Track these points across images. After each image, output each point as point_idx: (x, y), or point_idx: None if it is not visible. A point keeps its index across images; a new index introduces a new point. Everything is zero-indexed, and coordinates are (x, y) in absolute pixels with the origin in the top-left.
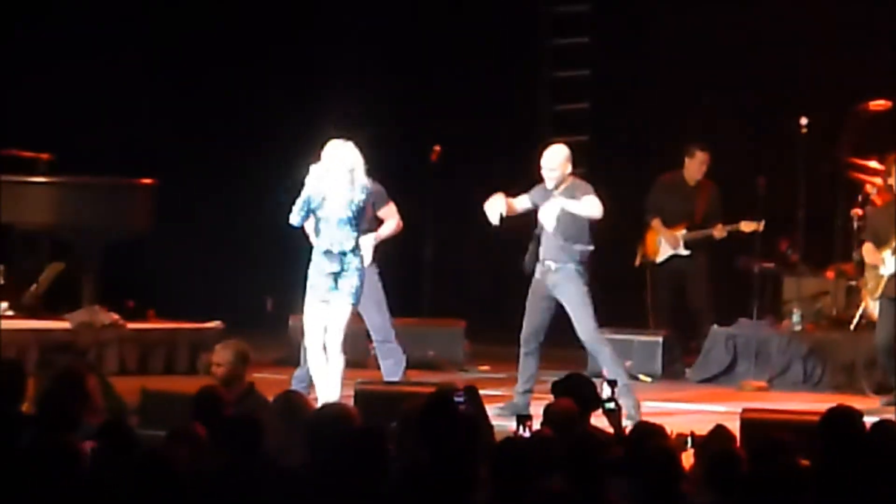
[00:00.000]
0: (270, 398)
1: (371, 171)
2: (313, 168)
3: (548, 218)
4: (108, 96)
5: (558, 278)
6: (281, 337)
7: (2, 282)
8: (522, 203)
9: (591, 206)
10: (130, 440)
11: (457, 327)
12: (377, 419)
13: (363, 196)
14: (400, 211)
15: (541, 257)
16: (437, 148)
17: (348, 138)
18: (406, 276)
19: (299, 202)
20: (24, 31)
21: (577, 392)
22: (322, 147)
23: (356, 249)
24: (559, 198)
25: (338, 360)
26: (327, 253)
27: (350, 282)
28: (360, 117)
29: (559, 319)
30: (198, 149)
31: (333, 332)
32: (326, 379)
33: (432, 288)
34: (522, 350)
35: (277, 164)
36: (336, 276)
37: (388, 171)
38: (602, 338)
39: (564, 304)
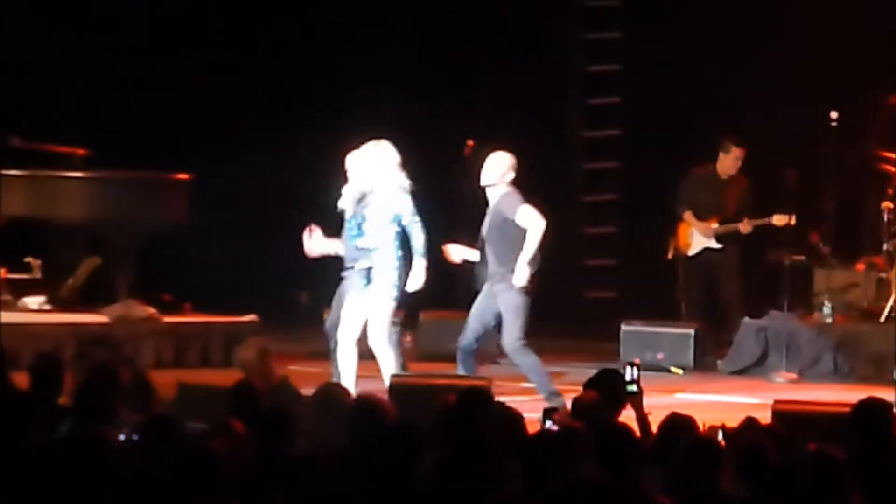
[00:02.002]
0: (304, 391)
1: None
2: (348, 187)
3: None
4: (144, 91)
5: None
6: (315, 330)
7: (39, 276)
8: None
9: (534, 229)
10: (176, 434)
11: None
12: (412, 412)
13: (400, 195)
14: (433, 205)
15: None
16: (471, 142)
17: (381, 136)
18: (439, 269)
19: (352, 224)
20: (59, 28)
21: (609, 386)
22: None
23: (391, 248)
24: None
25: (386, 356)
26: (361, 250)
27: (386, 279)
28: (393, 111)
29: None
30: (233, 143)
31: (374, 327)
32: (351, 372)
33: (466, 281)
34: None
35: (312, 158)
36: (368, 272)
37: (421, 165)
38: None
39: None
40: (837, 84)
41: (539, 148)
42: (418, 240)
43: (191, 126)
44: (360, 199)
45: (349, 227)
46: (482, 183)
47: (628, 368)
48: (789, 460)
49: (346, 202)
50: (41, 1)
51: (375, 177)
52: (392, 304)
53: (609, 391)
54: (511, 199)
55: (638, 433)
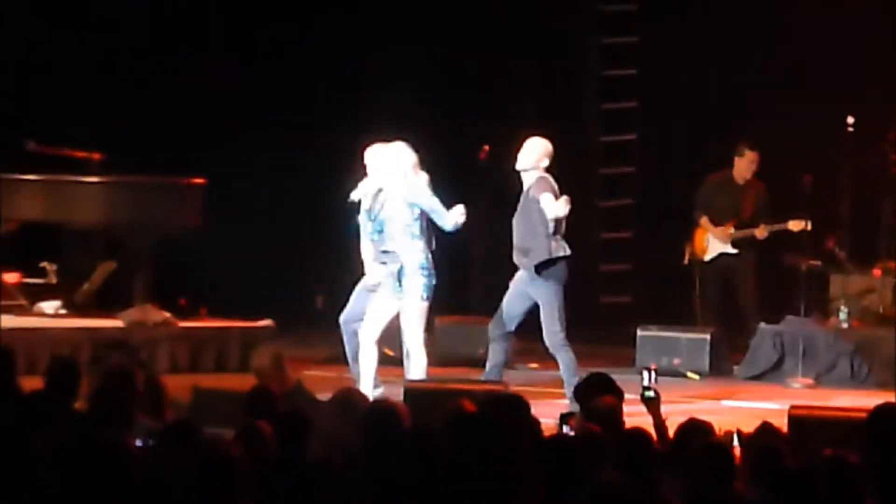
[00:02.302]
0: (320, 395)
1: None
2: (366, 182)
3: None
4: (159, 95)
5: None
6: (331, 335)
7: (54, 280)
8: None
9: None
10: (196, 440)
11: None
12: (426, 417)
13: (421, 196)
14: (448, 209)
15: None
16: (486, 147)
17: (398, 138)
18: (455, 274)
19: (368, 218)
20: (74, 31)
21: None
22: (365, 148)
23: (417, 248)
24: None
25: (419, 358)
26: (385, 252)
27: (414, 280)
28: (408, 117)
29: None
30: (249, 146)
31: (409, 331)
32: (371, 372)
33: (481, 286)
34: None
35: (328, 162)
36: (398, 275)
37: (437, 169)
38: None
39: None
40: (854, 89)
41: (555, 153)
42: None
43: (206, 130)
44: (377, 195)
45: (367, 223)
46: (517, 167)
47: (645, 373)
48: (805, 465)
49: (363, 194)
50: (56, 4)
51: (392, 177)
52: (424, 305)
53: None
54: (541, 184)
55: (655, 438)
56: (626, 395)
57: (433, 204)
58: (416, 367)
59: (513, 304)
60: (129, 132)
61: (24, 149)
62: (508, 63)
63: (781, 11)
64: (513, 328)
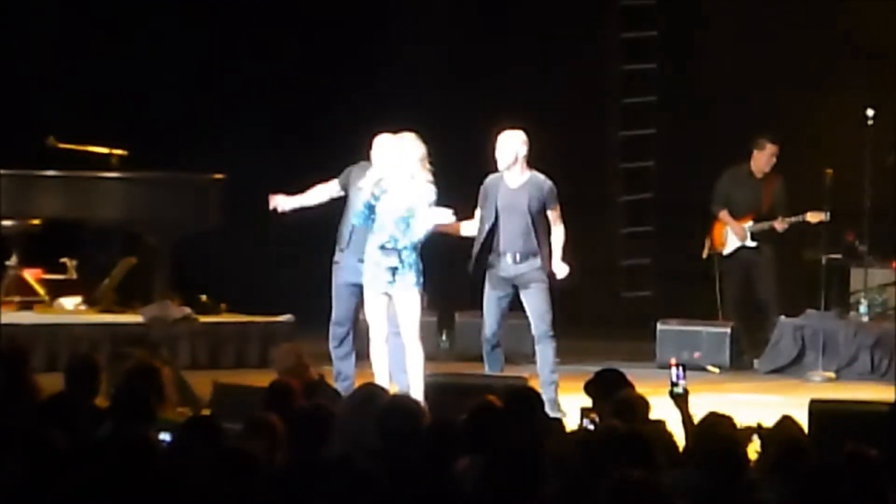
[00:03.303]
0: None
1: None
2: (371, 170)
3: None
4: (180, 92)
5: (521, 268)
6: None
7: (75, 276)
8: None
9: (558, 232)
10: (217, 435)
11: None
12: (446, 412)
13: (425, 191)
14: (466, 203)
15: (502, 249)
16: None
17: (409, 129)
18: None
19: (360, 204)
20: (97, 28)
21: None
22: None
23: (414, 245)
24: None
25: (416, 352)
26: (383, 248)
27: (409, 276)
28: (426, 110)
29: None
30: (269, 142)
31: (406, 325)
32: (384, 372)
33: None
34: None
35: (348, 155)
36: (394, 270)
37: (455, 163)
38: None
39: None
40: (874, 81)
41: (575, 147)
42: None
43: (226, 125)
44: (378, 183)
45: (358, 208)
46: (500, 167)
47: (674, 369)
48: (825, 460)
49: (364, 181)
50: (77, 1)
51: (397, 171)
52: (419, 296)
53: (608, 392)
54: (544, 189)
55: (683, 434)
56: (648, 390)
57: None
58: (415, 359)
59: (505, 304)
60: (150, 128)
61: (45, 145)
62: (527, 57)
63: (801, 4)
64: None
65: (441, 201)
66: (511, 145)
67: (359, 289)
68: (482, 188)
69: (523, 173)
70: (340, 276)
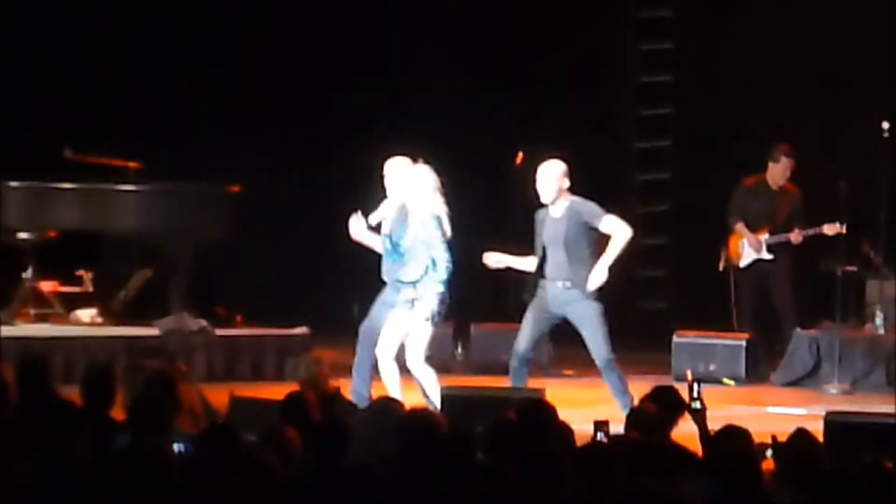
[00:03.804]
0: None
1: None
2: (384, 204)
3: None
4: (195, 104)
5: (570, 297)
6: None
7: (90, 289)
8: (519, 263)
9: (621, 235)
10: (234, 445)
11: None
12: (463, 424)
13: (433, 222)
14: (484, 216)
15: (549, 276)
16: (521, 153)
17: (422, 149)
18: (491, 281)
19: (385, 242)
20: (115, 41)
21: (666, 402)
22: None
23: (428, 274)
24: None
25: (425, 373)
26: (399, 282)
27: (427, 305)
28: (444, 122)
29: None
30: (285, 154)
31: (412, 351)
32: (396, 387)
33: (517, 293)
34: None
35: (363, 168)
36: (412, 301)
37: (472, 175)
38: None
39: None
40: (890, 93)
41: (591, 159)
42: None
43: (242, 138)
44: (398, 219)
45: (385, 243)
46: (544, 200)
47: (694, 385)
48: (841, 472)
49: (382, 217)
50: (90, 12)
51: (414, 200)
52: (430, 329)
53: (666, 406)
54: (590, 206)
55: (701, 450)
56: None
57: (433, 239)
58: (426, 384)
59: (544, 328)
60: (166, 141)
61: (62, 157)
62: (544, 69)
63: (817, 17)
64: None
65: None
66: (552, 179)
67: None
68: (536, 221)
69: (565, 201)
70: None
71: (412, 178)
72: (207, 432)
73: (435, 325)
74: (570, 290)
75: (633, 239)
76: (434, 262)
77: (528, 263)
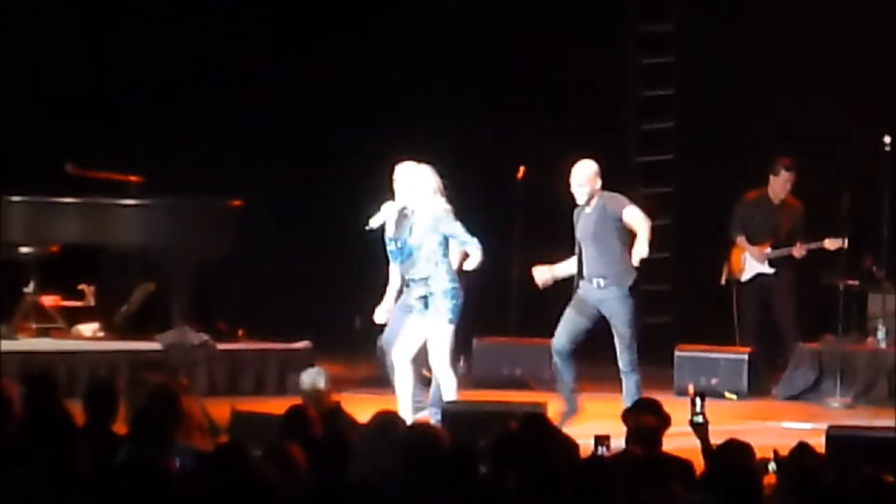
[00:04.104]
0: (358, 417)
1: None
2: (385, 206)
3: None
4: (196, 119)
5: (605, 294)
6: (370, 356)
7: (92, 303)
8: (565, 269)
9: (643, 226)
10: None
11: (544, 345)
12: (465, 439)
13: (444, 220)
14: (487, 230)
15: (585, 274)
16: (523, 168)
17: (425, 160)
18: (494, 294)
19: (392, 248)
20: (116, 55)
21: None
22: (394, 165)
23: (442, 272)
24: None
25: (447, 379)
26: (413, 280)
27: (441, 303)
28: (446, 137)
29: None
30: (285, 168)
31: (435, 352)
32: (408, 393)
33: (520, 306)
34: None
35: (364, 183)
36: (424, 299)
37: (473, 190)
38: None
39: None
40: (892, 107)
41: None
42: (474, 257)
43: (243, 151)
44: (400, 220)
45: (391, 246)
46: (579, 201)
47: (696, 399)
48: (843, 486)
49: (385, 219)
50: (87, 29)
51: (417, 201)
52: (451, 328)
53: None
54: (619, 199)
55: (704, 464)
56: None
57: (456, 229)
58: (446, 389)
59: (581, 324)
60: (167, 155)
61: (63, 171)
62: (546, 82)
63: (818, 31)
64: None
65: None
66: (585, 180)
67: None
68: (574, 220)
69: (597, 199)
70: None
71: (414, 178)
72: (217, 450)
73: (454, 322)
74: (604, 288)
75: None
76: (445, 258)
77: (573, 265)
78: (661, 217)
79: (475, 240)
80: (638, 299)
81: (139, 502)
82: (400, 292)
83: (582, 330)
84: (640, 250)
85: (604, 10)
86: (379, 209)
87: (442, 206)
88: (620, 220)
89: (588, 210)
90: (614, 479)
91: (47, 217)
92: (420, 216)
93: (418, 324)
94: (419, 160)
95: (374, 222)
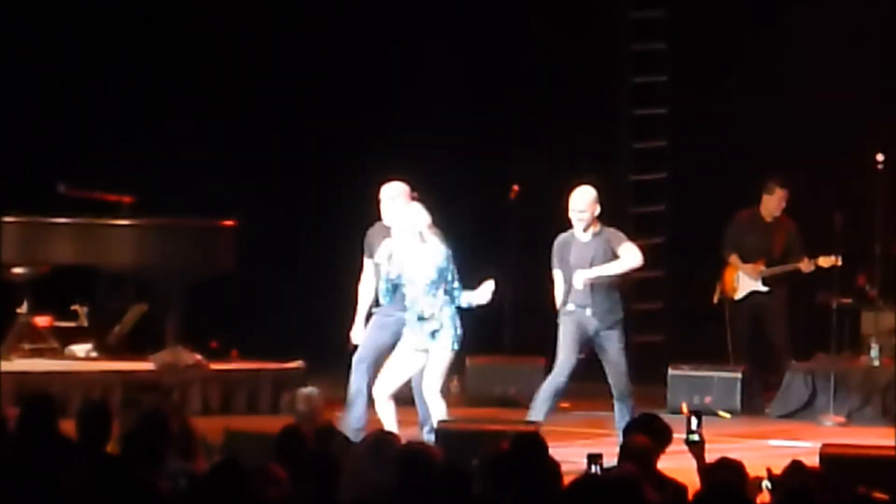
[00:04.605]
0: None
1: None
2: (384, 245)
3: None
4: (191, 139)
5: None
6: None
7: (86, 323)
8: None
9: (628, 258)
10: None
11: (537, 364)
12: (459, 458)
13: (441, 256)
14: (480, 248)
15: (573, 300)
16: (516, 187)
17: (427, 178)
18: (487, 313)
19: (382, 284)
20: (108, 76)
21: (654, 430)
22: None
23: (444, 303)
24: (593, 270)
25: (439, 405)
26: (421, 319)
27: (448, 332)
28: (439, 157)
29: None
30: (279, 188)
31: (431, 378)
32: (392, 422)
33: (513, 325)
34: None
35: (357, 203)
36: (434, 332)
37: (466, 209)
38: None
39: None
40: (884, 125)
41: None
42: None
43: (236, 172)
44: (391, 258)
45: (381, 286)
46: (582, 227)
47: (692, 418)
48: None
49: (381, 257)
50: (84, 47)
51: (408, 238)
52: (451, 356)
53: (656, 435)
54: (618, 235)
55: (699, 482)
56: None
57: (448, 274)
58: (438, 414)
59: (575, 353)
60: (160, 175)
61: (56, 192)
62: (539, 102)
63: (812, 48)
64: None
65: (457, 259)
66: (585, 206)
67: None
68: (555, 248)
69: (594, 228)
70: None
71: (406, 219)
72: (213, 469)
73: (455, 350)
74: (592, 317)
75: (632, 272)
76: (452, 294)
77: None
78: (654, 236)
79: (459, 287)
80: (629, 321)
81: None
82: (370, 315)
83: (578, 355)
84: (593, 272)
85: (595, 30)
86: (372, 237)
87: (443, 248)
88: (616, 255)
89: (584, 239)
90: (607, 498)
91: (40, 238)
92: (412, 252)
93: (408, 360)
94: (407, 179)
95: (378, 259)
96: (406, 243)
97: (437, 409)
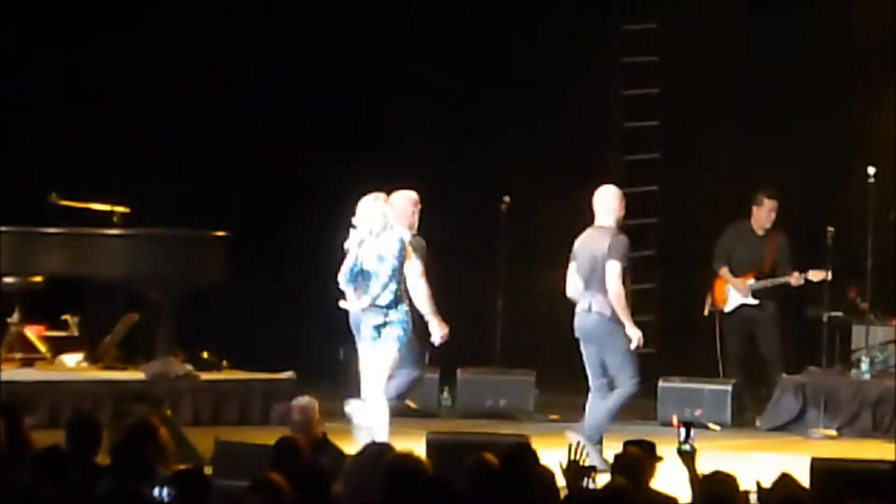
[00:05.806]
0: (343, 448)
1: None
2: (353, 232)
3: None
4: (181, 150)
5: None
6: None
7: (76, 333)
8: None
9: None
10: (206, 488)
11: (528, 377)
12: (448, 468)
13: (397, 249)
14: (471, 261)
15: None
16: (507, 199)
17: (415, 187)
18: (477, 325)
19: (347, 265)
20: (100, 86)
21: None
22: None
23: (397, 302)
24: None
25: (380, 404)
26: (371, 307)
27: (393, 331)
28: (431, 167)
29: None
30: (270, 200)
31: (375, 376)
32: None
33: (503, 338)
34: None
35: (348, 215)
36: (379, 327)
37: (458, 221)
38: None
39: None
40: (875, 139)
41: (577, 204)
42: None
43: (229, 183)
44: (360, 244)
45: (346, 267)
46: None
47: (682, 429)
48: None
49: (352, 242)
50: (75, 58)
51: (377, 230)
52: (396, 356)
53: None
54: (618, 248)
55: (691, 492)
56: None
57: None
58: (379, 414)
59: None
60: (151, 185)
61: (47, 202)
62: (530, 113)
63: (805, 62)
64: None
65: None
66: (613, 204)
67: None
68: (576, 243)
69: (608, 228)
70: None
71: (371, 213)
72: (178, 475)
73: (400, 351)
74: (591, 314)
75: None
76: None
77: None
78: (644, 248)
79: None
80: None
81: None
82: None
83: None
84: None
85: (588, 42)
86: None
87: (400, 233)
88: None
89: (593, 237)
90: None
91: (31, 248)
92: (374, 247)
93: (372, 353)
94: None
95: (348, 245)
96: (370, 236)
97: (378, 412)
